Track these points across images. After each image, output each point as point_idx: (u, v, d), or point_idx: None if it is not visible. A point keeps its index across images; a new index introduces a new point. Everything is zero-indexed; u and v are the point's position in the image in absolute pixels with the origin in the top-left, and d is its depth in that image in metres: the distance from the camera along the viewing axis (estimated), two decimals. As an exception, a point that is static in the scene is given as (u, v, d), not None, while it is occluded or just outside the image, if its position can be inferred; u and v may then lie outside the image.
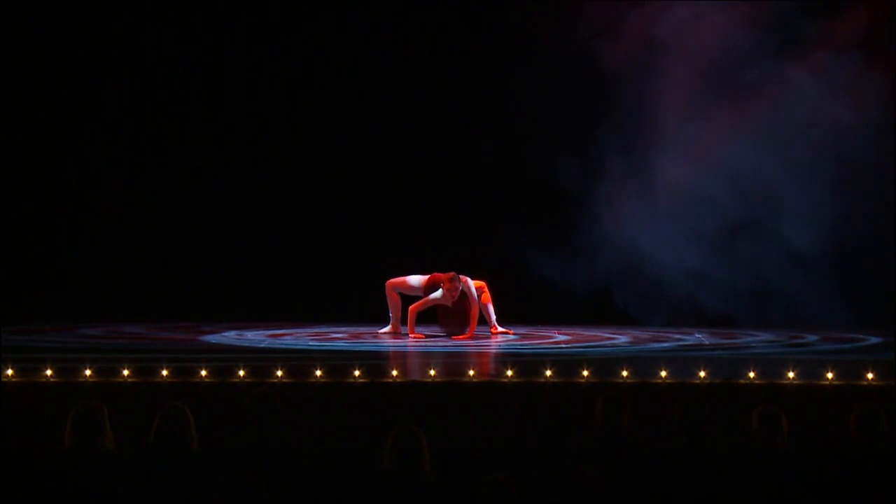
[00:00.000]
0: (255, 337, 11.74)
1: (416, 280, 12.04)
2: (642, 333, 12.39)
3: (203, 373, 8.18)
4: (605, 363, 9.40)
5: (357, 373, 8.22)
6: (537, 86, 13.75)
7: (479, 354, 10.79)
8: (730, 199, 13.71)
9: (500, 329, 12.14)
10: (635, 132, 13.68)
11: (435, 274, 11.96)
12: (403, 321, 11.95)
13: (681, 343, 11.59)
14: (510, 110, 13.85)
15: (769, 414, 6.09)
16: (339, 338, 11.93)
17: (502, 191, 14.11)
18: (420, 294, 11.98)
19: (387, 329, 12.13)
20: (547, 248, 13.75)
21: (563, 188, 13.78)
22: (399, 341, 11.66)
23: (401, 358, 10.41)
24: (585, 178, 13.70)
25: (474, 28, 13.89)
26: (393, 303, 12.09)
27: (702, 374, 8.25)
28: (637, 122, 13.66)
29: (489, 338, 11.91)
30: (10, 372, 8.09)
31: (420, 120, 13.99)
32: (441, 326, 12.05)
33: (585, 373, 8.30)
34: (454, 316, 11.92)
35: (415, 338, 11.69)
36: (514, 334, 12.10)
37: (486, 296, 12.09)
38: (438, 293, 11.81)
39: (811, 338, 11.96)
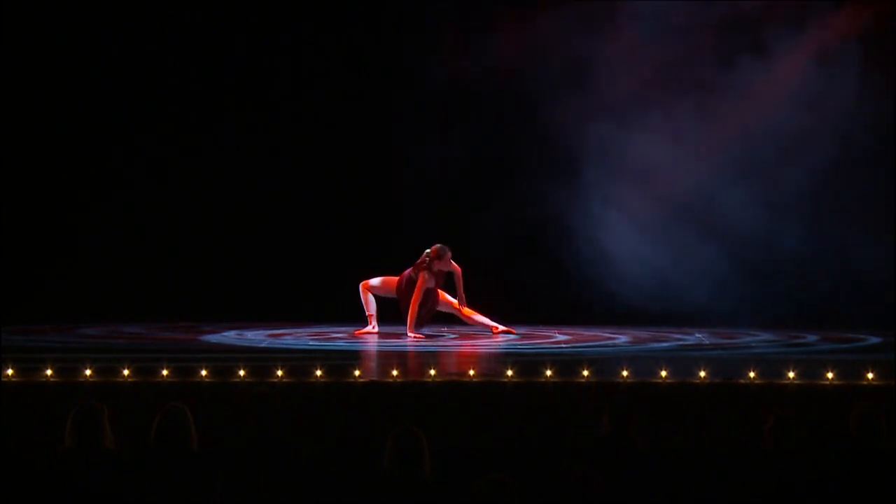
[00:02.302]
0: (255, 337, 11.75)
1: (381, 281, 12.09)
2: (642, 333, 12.39)
3: (203, 373, 8.18)
4: (606, 363, 9.41)
5: (357, 373, 8.23)
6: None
7: (477, 355, 10.79)
8: (726, 201, 13.74)
9: (501, 328, 12.13)
10: (624, 143, 13.74)
11: (404, 273, 11.99)
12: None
13: (681, 343, 11.59)
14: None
15: (782, 420, 6.08)
16: (339, 338, 11.94)
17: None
18: (392, 294, 12.00)
19: (368, 328, 12.12)
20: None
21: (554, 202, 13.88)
22: (399, 342, 11.65)
23: (399, 358, 10.41)
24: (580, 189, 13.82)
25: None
26: (366, 302, 12.10)
27: (702, 374, 8.25)
28: (626, 128, 13.73)
29: (491, 338, 11.92)
30: (10, 372, 8.09)
31: (419, 120, 13.98)
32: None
33: (586, 373, 8.30)
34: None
35: (415, 338, 11.68)
36: (516, 333, 12.10)
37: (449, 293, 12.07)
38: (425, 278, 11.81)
39: (811, 338, 11.96)
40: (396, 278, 12.06)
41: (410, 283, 11.88)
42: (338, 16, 14.07)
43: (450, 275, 11.98)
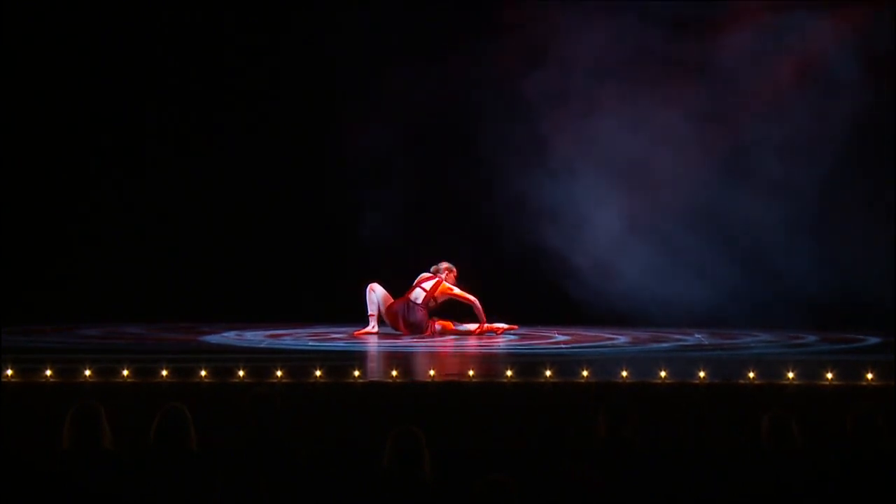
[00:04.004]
0: (255, 337, 11.75)
1: (385, 296, 12.22)
2: (642, 334, 12.39)
3: (203, 373, 8.18)
4: (605, 364, 9.40)
5: (357, 373, 8.23)
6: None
7: (478, 355, 10.80)
8: (725, 202, 13.76)
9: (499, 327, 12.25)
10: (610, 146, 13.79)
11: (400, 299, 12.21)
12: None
13: (680, 343, 11.59)
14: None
15: (779, 419, 6.07)
16: (339, 338, 11.94)
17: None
18: (383, 308, 12.21)
19: (368, 329, 12.15)
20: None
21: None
22: (398, 342, 11.66)
23: (398, 359, 10.41)
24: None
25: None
26: (370, 301, 12.19)
27: (701, 374, 8.25)
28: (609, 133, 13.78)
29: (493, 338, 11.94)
30: (9, 372, 8.09)
31: (418, 121, 13.99)
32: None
33: (585, 373, 8.30)
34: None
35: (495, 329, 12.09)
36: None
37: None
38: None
39: (810, 338, 11.96)
40: (394, 301, 12.16)
41: (404, 308, 12.13)
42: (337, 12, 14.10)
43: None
